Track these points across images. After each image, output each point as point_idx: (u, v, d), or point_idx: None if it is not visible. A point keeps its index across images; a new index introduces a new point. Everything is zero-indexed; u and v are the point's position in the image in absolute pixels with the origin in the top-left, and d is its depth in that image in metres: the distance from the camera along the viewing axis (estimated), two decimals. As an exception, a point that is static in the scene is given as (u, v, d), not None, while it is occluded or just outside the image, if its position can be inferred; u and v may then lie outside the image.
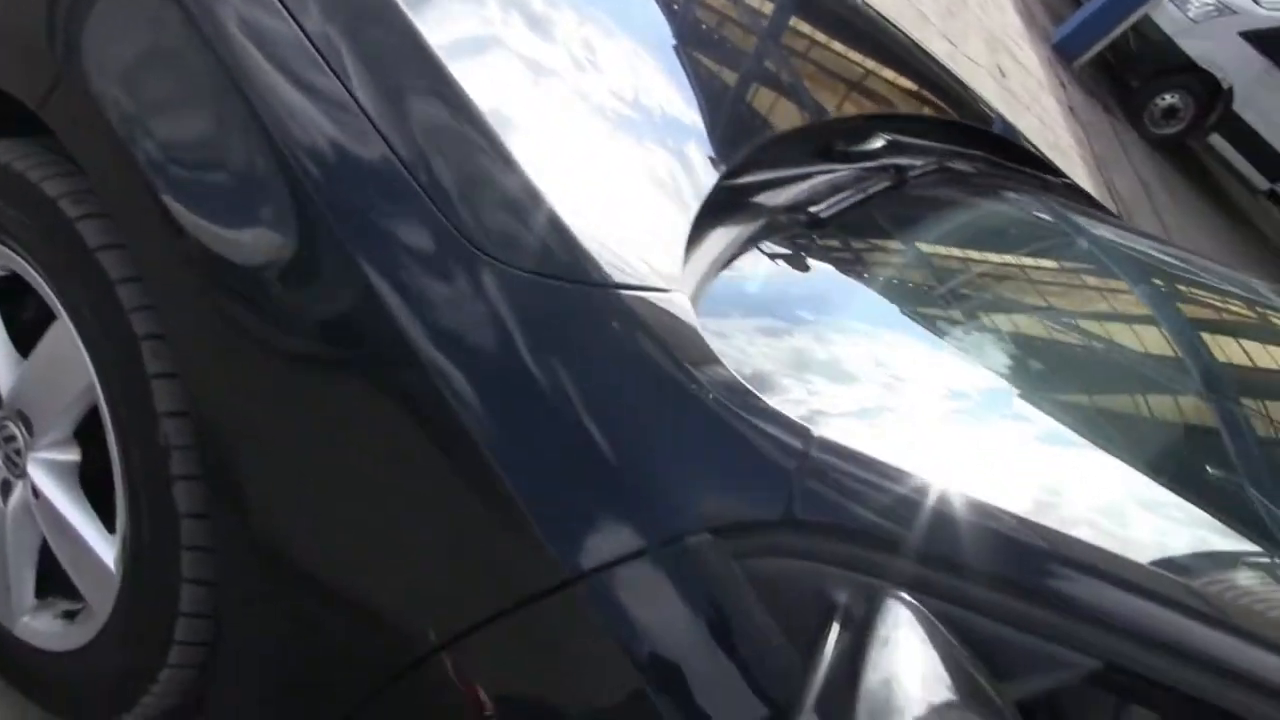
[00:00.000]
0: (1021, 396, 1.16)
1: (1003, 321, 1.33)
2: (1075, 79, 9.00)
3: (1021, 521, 0.85)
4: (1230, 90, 9.61)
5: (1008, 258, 1.49)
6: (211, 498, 1.04)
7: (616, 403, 0.90)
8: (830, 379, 1.03)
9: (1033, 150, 2.18)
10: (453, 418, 0.89)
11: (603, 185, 1.04)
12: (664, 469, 0.87)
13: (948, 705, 0.75)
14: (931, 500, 0.85)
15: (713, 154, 1.18)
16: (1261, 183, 10.51)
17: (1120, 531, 0.95)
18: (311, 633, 1.05)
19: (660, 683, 0.85)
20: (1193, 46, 9.40)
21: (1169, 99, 9.78)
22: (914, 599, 0.77)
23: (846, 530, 0.84)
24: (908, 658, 0.75)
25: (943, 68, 2.23)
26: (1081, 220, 1.77)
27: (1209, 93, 9.66)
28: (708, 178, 1.11)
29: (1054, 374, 1.25)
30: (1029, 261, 1.51)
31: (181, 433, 1.05)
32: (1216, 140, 10.08)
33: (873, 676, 0.73)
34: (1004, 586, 0.81)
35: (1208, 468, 1.16)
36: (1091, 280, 1.56)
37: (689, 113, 1.25)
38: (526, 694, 0.92)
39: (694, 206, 1.06)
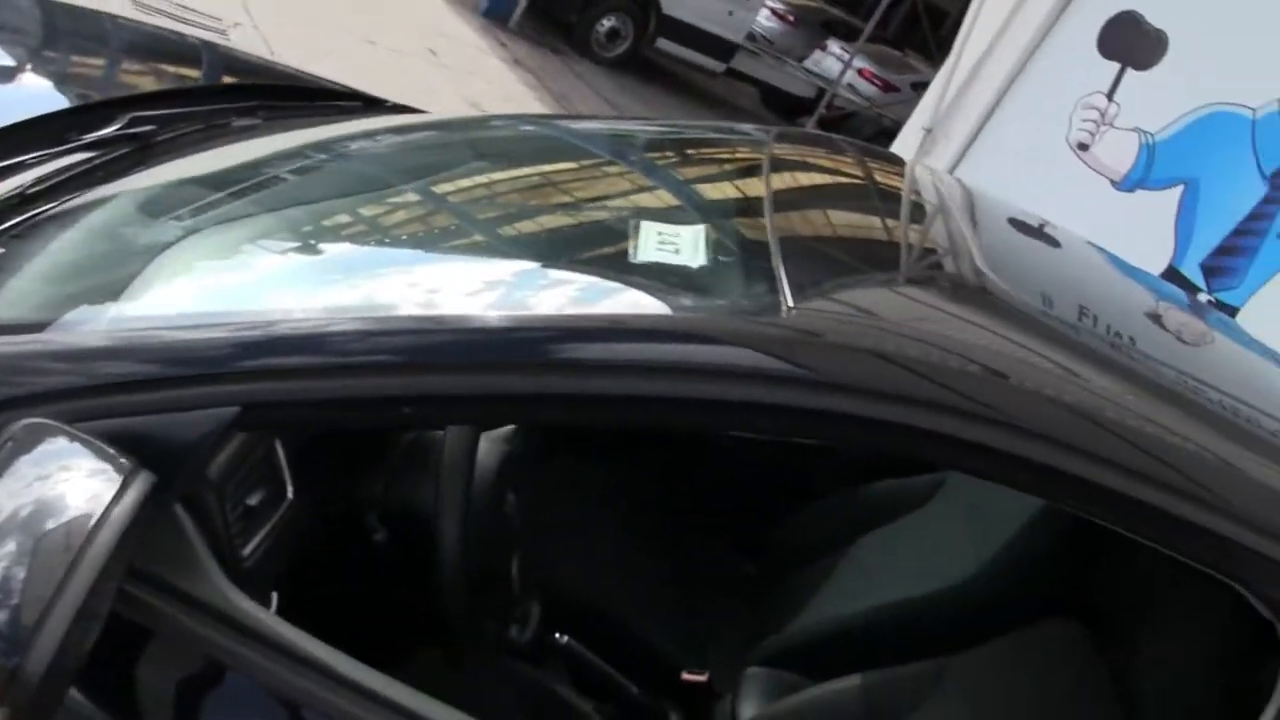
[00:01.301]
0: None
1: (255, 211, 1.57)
2: (516, 36, 9.67)
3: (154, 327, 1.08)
4: (655, -2, 10.69)
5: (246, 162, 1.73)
6: None
7: None
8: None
9: (339, 86, 2.45)
10: None
11: None
12: None
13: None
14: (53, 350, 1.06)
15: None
16: (717, 66, 11.80)
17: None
18: None
19: None
20: (603, -31, 10.32)
21: (608, 23, 10.66)
22: (59, 425, 0.94)
23: (15, 399, 1.02)
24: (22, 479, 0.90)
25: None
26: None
27: (640, 6, 10.67)
28: None
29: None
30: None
31: None
32: (665, 44, 11.15)
33: None
34: (134, 388, 1.02)
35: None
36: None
37: None
38: None
39: None
